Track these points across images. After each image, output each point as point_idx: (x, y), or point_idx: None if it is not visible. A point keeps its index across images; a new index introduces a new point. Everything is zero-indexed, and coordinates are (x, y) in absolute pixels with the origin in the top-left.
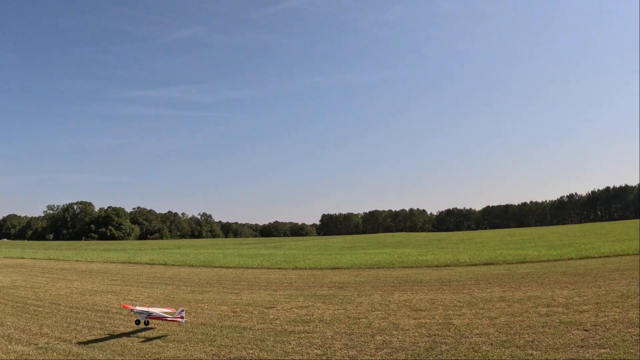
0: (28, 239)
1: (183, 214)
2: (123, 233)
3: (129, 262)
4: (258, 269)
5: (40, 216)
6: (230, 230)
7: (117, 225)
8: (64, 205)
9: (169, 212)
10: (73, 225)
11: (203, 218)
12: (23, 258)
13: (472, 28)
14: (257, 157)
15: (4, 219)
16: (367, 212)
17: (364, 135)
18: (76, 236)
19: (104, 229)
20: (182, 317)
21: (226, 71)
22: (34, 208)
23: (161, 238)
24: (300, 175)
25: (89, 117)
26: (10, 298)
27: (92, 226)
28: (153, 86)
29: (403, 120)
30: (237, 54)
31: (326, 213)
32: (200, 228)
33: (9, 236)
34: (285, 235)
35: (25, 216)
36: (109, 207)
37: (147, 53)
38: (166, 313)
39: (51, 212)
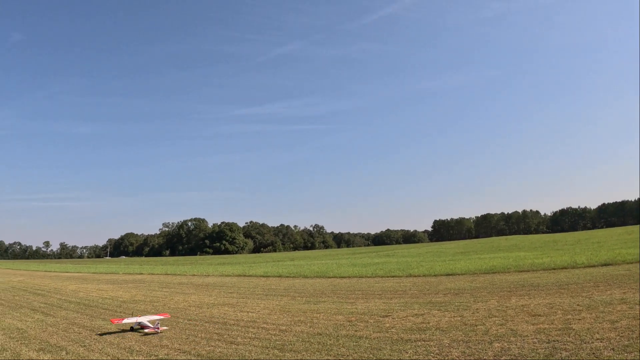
0: (145, 256)
1: (295, 226)
2: (237, 247)
3: (244, 275)
4: (372, 278)
5: (156, 234)
6: (342, 240)
7: (230, 239)
8: (178, 222)
9: (281, 225)
10: (188, 241)
11: (315, 229)
12: (141, 274)
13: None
14: (367, 166)
15: (122, 238)
16: (479, 215)
17: (471, 138)
18: (191, 251)
19: (218, 244)
20: (158, 329)
21: (329, 83)
22: (150, 226)
23: (274, 251)
24: (410, 182)
25: (199, 137)
26: (131, 311)
27: (207, 241)
28: (258, 103)
29: (514, 120)
30: (339, 66)
31: (438, 219)
32: (312, 239)
33: (127, 253)
34: (397, 242)
35: (142, 234)
36: (222, 223)
37: (250, 71)
38: (150, 322)
39: (167, 229)
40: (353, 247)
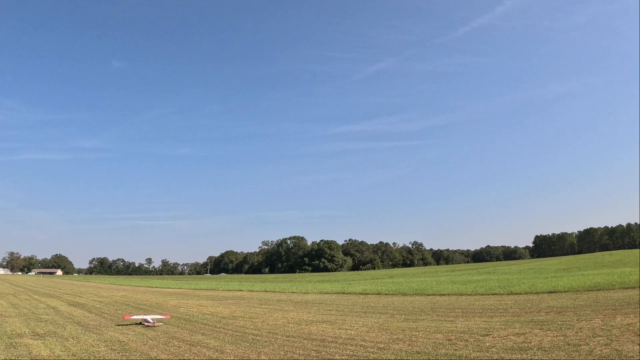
0: (245, 273)
1: (394, 243)
2: (336, 265)
3: (343, 293)
4: (472, 296)
5: (255, 251)
6: (441, 257)
7: (330, 257)
8: (278, 240)
9: (380, 242)
10: (287, 258)
11: (414, 246)
12: (241, 290)
13: None
14: (464, 182)
15: (222, 255)
16: (582, 230)
17: (573, 151)
18: (290, 269)
19: (317, 262)
20: (154, 323)
21: (425, 99)
22: (249, 244)
23: (373, 268)
24: (509, 196)
25: (298, 156)
26: (230, 327)
27: (306, 259)
28: (355, 121)
29: (619, 129)
30: (434, 80)
31: (539, 234)
32: (411, 256)
33: (227, 271)
34: (497, 259)
35: (242, 252)
36: (322, 241)
37: (346, 89)
38: (155, 319)
39: (266, 247)
40: (452, 264)
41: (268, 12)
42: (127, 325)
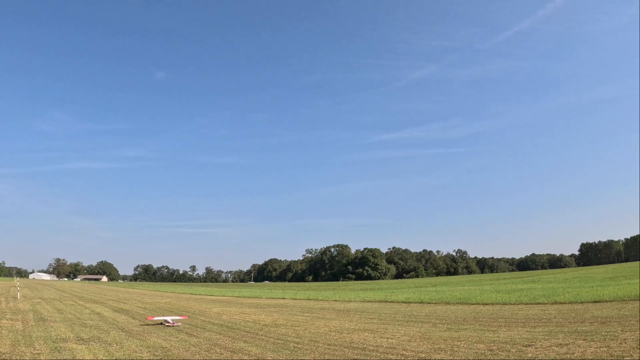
0: (288, 281)
1: (438, 251)
2: (379, 273)
3: (386, 301)
4: (515, 305)
5: (299, 260)
6: (486, 265)
7: (373, 265)
8: (321, 248)
9: (424, 250)
10: (331, 267)
11: (458, 255)
12: (284, 298)
13: None
14: (509, 188)
15: (266, 263)
16: (629, 237)
17: (619, 153)
18: (334, 277)
19: (360, 270)
20: (174, 323)
21: (467, 105)
22: (293, 252)
23: (417, 276)
24: (555, 203)
25: (340, 164)
26: (272, 335)
27: (349, 267)
28: (397, 128)
29: None
30: (476, 86)
31: (585, 242)
32: (455, 265)
33: (270, 279)
34: (542, 267)
35: (286, 260)
36: (365, 249)
37: (388, 97)
38: (174, 320)
39: (310, 255)
40: (497, 272)
41: (308, 20)
42: (168, 329)
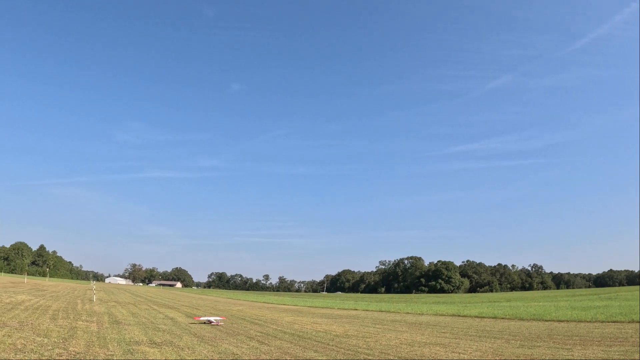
0: (361, 292)
1: (513, 265)
2: (452, 286)
3: (458, 315)
4: (591, 323)
5: (372, 271)
6: (562, 281)
7: (446, 278)
8: (394, 260)
9: (498, 264)
10: (404, 279)
11: (533, 269)
12: (356, 310)
13: None
14: (588, 200)
15: (339, 274)
16: None
17: None
18: (406, 289)
19: (433, 282)
20: (217, 323)
21: (544, 115)
22: (366, 263)
23: (491, 291)
24: (635, 215)
25: (414, 175)
26: (342, 346)
27: (422, 280)
28: (472, 139)
29: None
30: (553, 95)
31: None
32: (530, 280)
33: (343, 289)
34: (620, 284)
35: (359, 271)
36: (439, 261)
37: (463, 107)
38: (217, 320)
39: (383, 267)
40: (573, 288)
41: (381, 30)
42: (239, 336)
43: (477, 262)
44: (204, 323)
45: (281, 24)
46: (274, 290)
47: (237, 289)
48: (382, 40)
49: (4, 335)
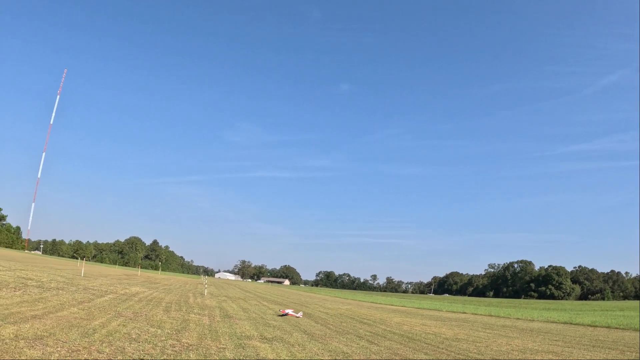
0: (468, 295)
1: (627, 272)
2: (563, 292)
3: (570, 323)
4: None
5: (481, 274)
6: None
7: (557, 284)
8: (504, 263)
9: (612, 271)
10: (513, 283)
11: None
12: (464, 313)
13: None
14: None
15: (447, 276)
16: None
17: None
18: (515, 294)
19: (543, 288)
20: (298, 315)
21: None
22: (475, 266)
23: (602, 299)
24: None
25: (524, 177)
26: (452, 349)
27: (532, 285)
28: (586, 139)
29: None
30: None
31: None
32: None
33: (450, 292)
34: None
35: (467, 273)
36: (549, 266)
37: (575, 106)
38: (294, 311)
39: (492, 270)
40: None
41: (487, 27)
42: (348, 335)
43: (590, 268)
44: (283, 315)
45: (389, 24)
46: (381, 291)
47: (345, 288)
48: (491, 39)
49: (119, 325)
